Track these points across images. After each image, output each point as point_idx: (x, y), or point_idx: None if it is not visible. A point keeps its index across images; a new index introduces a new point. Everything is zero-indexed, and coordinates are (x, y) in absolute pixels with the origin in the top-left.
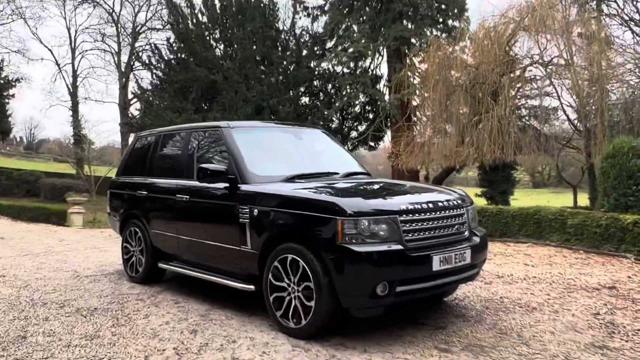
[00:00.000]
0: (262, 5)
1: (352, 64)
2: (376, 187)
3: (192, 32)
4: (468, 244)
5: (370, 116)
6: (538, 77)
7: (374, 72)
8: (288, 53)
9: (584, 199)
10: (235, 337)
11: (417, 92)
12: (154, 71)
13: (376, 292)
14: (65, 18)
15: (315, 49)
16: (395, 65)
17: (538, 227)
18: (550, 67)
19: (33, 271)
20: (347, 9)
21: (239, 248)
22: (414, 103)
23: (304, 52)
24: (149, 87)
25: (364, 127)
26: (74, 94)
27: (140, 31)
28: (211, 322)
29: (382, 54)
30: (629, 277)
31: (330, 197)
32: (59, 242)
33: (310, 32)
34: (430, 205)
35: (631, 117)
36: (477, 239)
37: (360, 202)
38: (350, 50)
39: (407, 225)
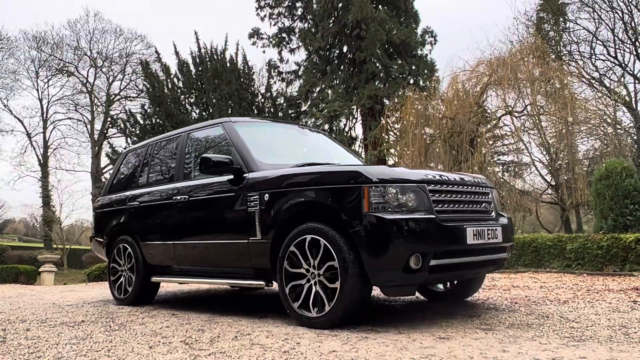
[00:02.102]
0: (237, 69)
1: (327, 125)
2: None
3: (168, 96)
4: (498, 223)
5: None
6: (508, 134)
7: (349, 133)
8: (264, 115)
9: None
10: (249, 331)
11: (393, 149)
12: (129, 137)
13: (409, 266)
14: (37, 90)
15: (291, 111)
16: (370, 124)
17: (537, 255)
18: (522, 117)
19: (6, 305)
20: (320, 73)
21: (247, 240)
22: (390, 162)
23: (280, 115)
24: None
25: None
26: (44, 165)
27: (114, 100)
28: (217, 324)
29: (356, 116)
30: None
31: (352, 167)
32: (31, 290)
33: (286, 95)
34: (457, 178)
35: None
36: (505, 220)
37: (385, 170)
38: (325, 111)
39: (436, 196)
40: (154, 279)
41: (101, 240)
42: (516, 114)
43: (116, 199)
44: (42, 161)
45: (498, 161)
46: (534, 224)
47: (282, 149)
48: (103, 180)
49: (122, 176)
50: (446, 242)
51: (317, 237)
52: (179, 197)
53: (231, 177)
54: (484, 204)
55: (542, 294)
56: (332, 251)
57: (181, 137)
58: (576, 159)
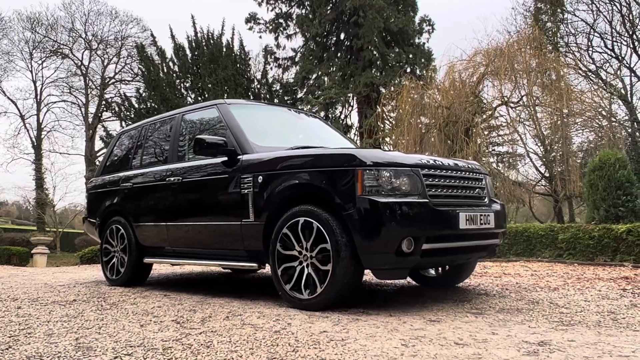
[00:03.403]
0: (234, 54)
1: (322, 113)
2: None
3: (163, 80)
4: (491, 209)
5: None
6: (504, 124)
7: (345, 121)
8: (260, 101)
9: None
10: (241, 312)
11: (388, 138)
12: (124, 120)
13: (402, 249)
14: (31, 71)
15: (287, 98)
16: (366, 112)
17: (529, 245)
18: (518, 108)
19: None
20: (317, 60)
21: (240, 222)
22: (386, 149)
23: (276, 101)
24: None
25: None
26: (37, 147)
27: (109, 83)
28: (209, 305)
29: (351, 104)
30: (636, 274)
31: (346, 149)
32: (23, 271)
33: (282, 81)
34: (451, 164)
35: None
36: (497, 206)
37: (379, 154)
38: (322, 98)
39: (430, 180)
40: (147, 260)
41: (94, 221)
42: (512, 105)
43: (109, 180)
44: (35, 143)
45: (493, 152)
46: (526, 215)
47: (276, 131)
48: (97, 163)
49: (116, 157)
50: (439, 227)
51: (310, 220)
52: (172, 179)
53: (225, 158)
54: (477, 190)
55: (532, 281)
56: (325, 234)
57: (175, 119)
58: (570, 150)
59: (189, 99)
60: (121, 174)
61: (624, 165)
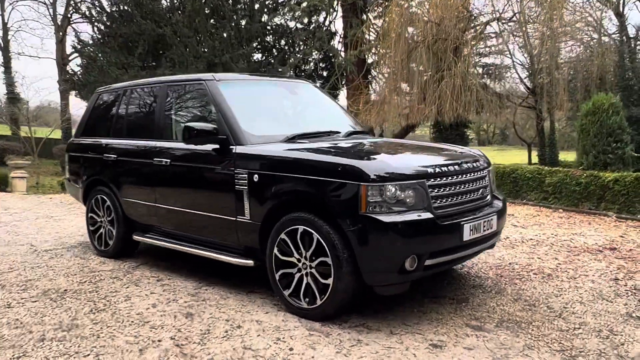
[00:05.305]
0: None
1: (305, 19)
2: (391, 148)
3: None
4: (494, 210)
5: (325, 74)
6: (492, 35)
7: (329, 28)
8: (239, 6)
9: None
10: (240, 321)
11: (375, 49)
12: (95, 24)
13: (405, 267)
14: None
15: (268, 2)
16: (351, 21)
17: (515, 186)
18: (510, 24)
19: None
20: None
21: (234, 219)
22: (370, 60)
23: (257, 6)
24: (90, 42)
25: (318, 84)
26: (5, 49)
27: None
28: (205, 303)
29: (336, 9)
30: (622, 236)
31: (349, 159)
32: (5, 211)
33: None
34: (457, 167)
35: (588, 74)
36: (499, 203)
37: (384, 165)
38: (305, 4)
39: (436, 191)
40: (136, 238)
41: (77, 186)
42: (504, 21)
43: (91, 145)
44: (2, 45)
45: (479, 63)
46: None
47: (271, 114)
48: (69, 70)
49: (97, 118)
50: (443, 242)
51: (310, 230)
52: (161, 160)
53: (217, 146)
54: (480, 190)
55: (525, 259)
56: (326, 247)
57: (160, 89)
58: (557, 62)
59: (164, 2)
60: (103, 141)
61: (617, 111)
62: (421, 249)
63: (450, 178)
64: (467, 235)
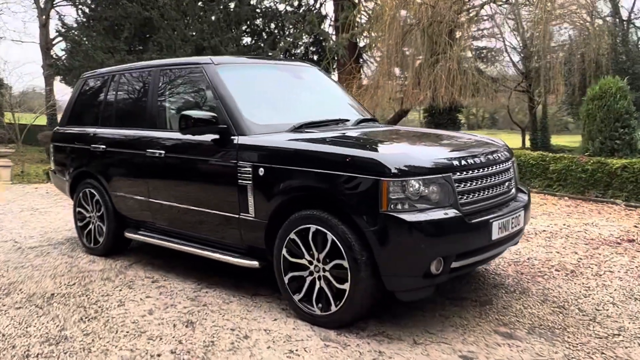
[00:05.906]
0: None
1: (295, 2)
2: (409, 137)
3: None
4: (520, 205)
5: (315, 58)
6: (486, 17)
7: (319, 10)
8: None
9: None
10: (246, 330)
11: (367, 32)
12: (79, 7)
13: (430, 271)
14: None
15: None
16: (342, 3)
17: (519, 172)
18: (505, 6)
19: None
20: None
21: (237, 216)
22: (362, 44)
23: None
24: (75, 25)
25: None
26: None
27: None
28: (207, 309)
29: None
30: (636, 226)
31: (366, 151)
32: None
33: None
34: (482, 159)
35: (583, 58)
36: (525, 197)
37: (405, 158)
38: None
39: (462, 186)
40: (128, 235)
41: (64, 178)
42: (500, 3)
43: (78, 135)
44: None
45: (472, 47)
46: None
47: (275, 100)
48: (53, 54)
49: (83, 105)
50: (471, 242)
51: (324, 230)
52: (154, 152)
53: (216, 137)
54: (506, 183)
55: (543, 253)
56: (342, 249)
57: (153, 74)
58: (550, 46)
59: None
60: (90, 130)
61: (624, 95)
62: (448, 251)
63: (477, 171)
64: (495, 234)
